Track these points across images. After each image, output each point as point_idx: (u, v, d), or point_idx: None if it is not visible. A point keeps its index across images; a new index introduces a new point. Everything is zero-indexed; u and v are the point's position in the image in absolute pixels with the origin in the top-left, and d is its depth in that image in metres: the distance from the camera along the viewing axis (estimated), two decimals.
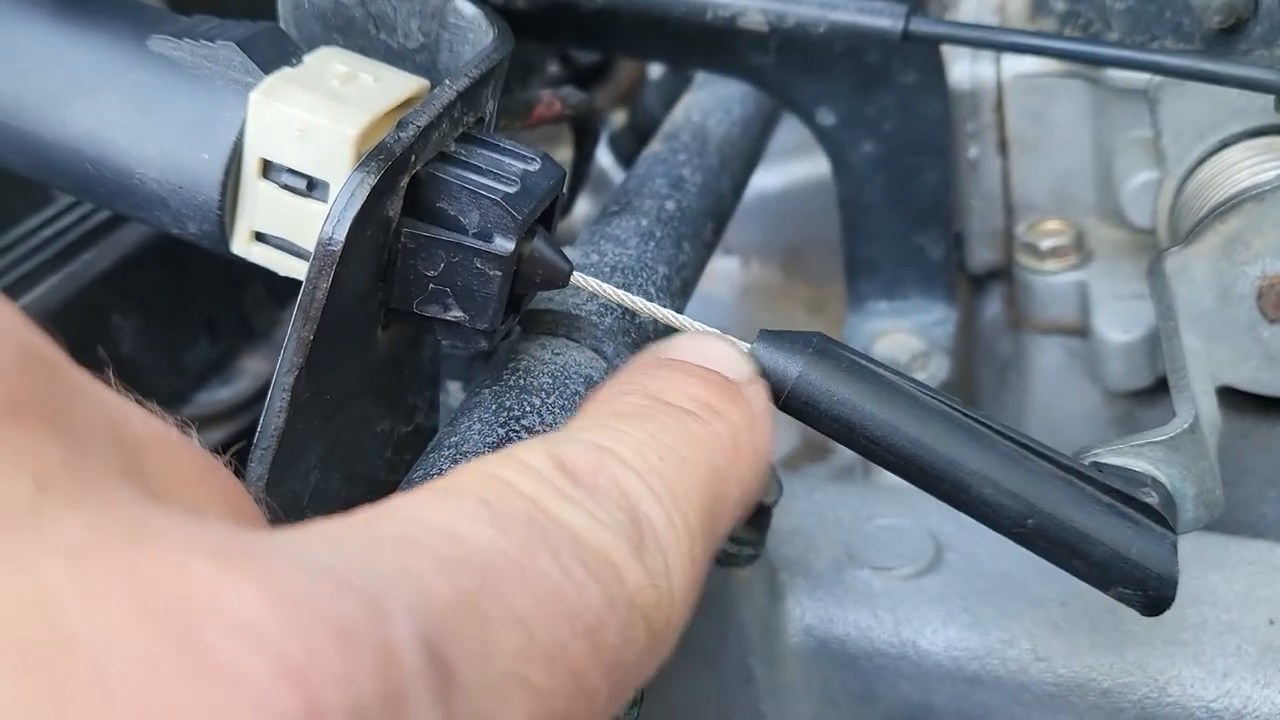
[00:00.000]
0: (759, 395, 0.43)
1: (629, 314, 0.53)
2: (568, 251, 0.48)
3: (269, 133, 0.45)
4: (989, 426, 0.46)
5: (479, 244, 0.44)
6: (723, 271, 1.05)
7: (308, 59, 0.48)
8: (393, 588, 0.27)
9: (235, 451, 0.38)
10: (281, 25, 0.52)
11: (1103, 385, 0.75)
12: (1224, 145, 0.65)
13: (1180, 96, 0.64)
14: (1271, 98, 0.61)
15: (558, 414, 0.48)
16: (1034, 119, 0.78)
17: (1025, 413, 0.82)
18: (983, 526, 0.46)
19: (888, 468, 0.46)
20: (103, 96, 0.46)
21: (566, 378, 0.49)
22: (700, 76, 0.78)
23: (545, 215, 0.47)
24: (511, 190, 0.44)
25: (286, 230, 0.46)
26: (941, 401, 0.46)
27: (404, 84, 0.48)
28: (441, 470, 0.45)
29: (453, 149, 0.46)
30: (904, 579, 0.61)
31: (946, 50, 0.71)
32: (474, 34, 0.50)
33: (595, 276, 0.48)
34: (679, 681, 0.61)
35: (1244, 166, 0.62)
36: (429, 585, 0.28)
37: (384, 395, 0.50)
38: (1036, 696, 0.57)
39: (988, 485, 0.45)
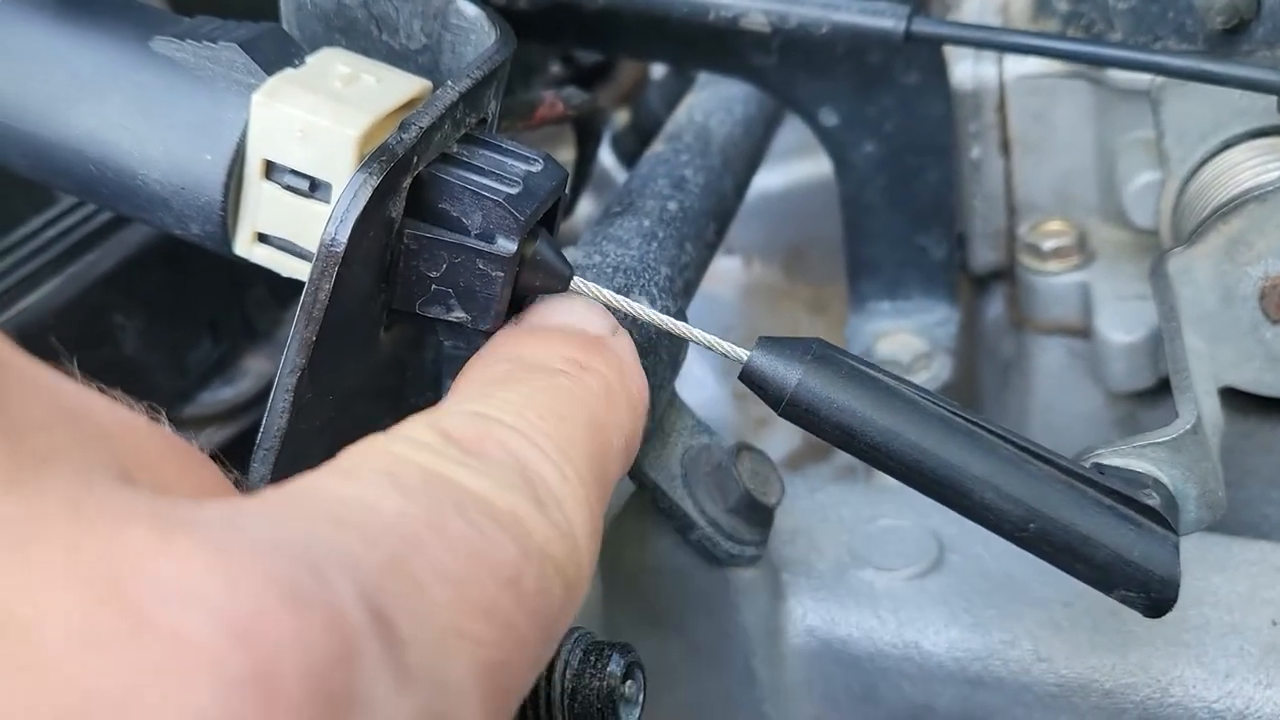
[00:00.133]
0: (625, 345, 0.44)
1: (628, 317, 0.53)
2: (570, 252, 0.48)
3: (271, 134, 0.45)
4: (989, 430, 0.46)
5: (481, 245, 0.44)
6: (725, 272, 1.05)
7: (310, 60, 0.48)
8: (329, 553, 0.28)
9: (237, 452, 0.39)
10: (284, 26, 0.52)
11: (1105, 386, 0.75)
12: (1226, 146, 0.64)
13: (1183, 97, 0.64)
14: (1274, 98, 0.61)
15: None
16: (1036, 119, 0.78)
17: (1027, 413, 0.82)
18: None
19: (889, 473, 0.46)
20: (106, 98, 0.46)
21: None
22: (703, 77, 0.78)
23: (548, 216, 0.47)
24: (514, 191, 0.44)
25: (289, 231, 0.46)
26: (942, 406, 0.46)
27: (406, 85, 0.48)
28: None
29: (455, 150, 0.46)
30: (906, 580, 0.61)
31: (949, 51, 0.71)
32: (476, 35, 0.50)
33: (598, 278, 0.48)
34: (681, 682, 0.61)
35: (1246, 167, 0.62)
36: (358, 552, 0.29)
37: (386, 396, 0.50)
38: (1039, 697, 0.57)
39: (989, 490, 0.45)
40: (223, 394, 0.74)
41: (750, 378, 0.46)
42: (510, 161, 0.46)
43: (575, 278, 0.46)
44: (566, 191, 0.48)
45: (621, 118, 1.11)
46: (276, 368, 0.42)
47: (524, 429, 0.37)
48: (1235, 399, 0.63)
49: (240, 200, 0.46)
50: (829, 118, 0.71)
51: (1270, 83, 0.56)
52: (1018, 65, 0.77)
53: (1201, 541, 0.60)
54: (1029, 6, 0.73)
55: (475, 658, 0.31)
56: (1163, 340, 0.61)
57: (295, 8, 0.52)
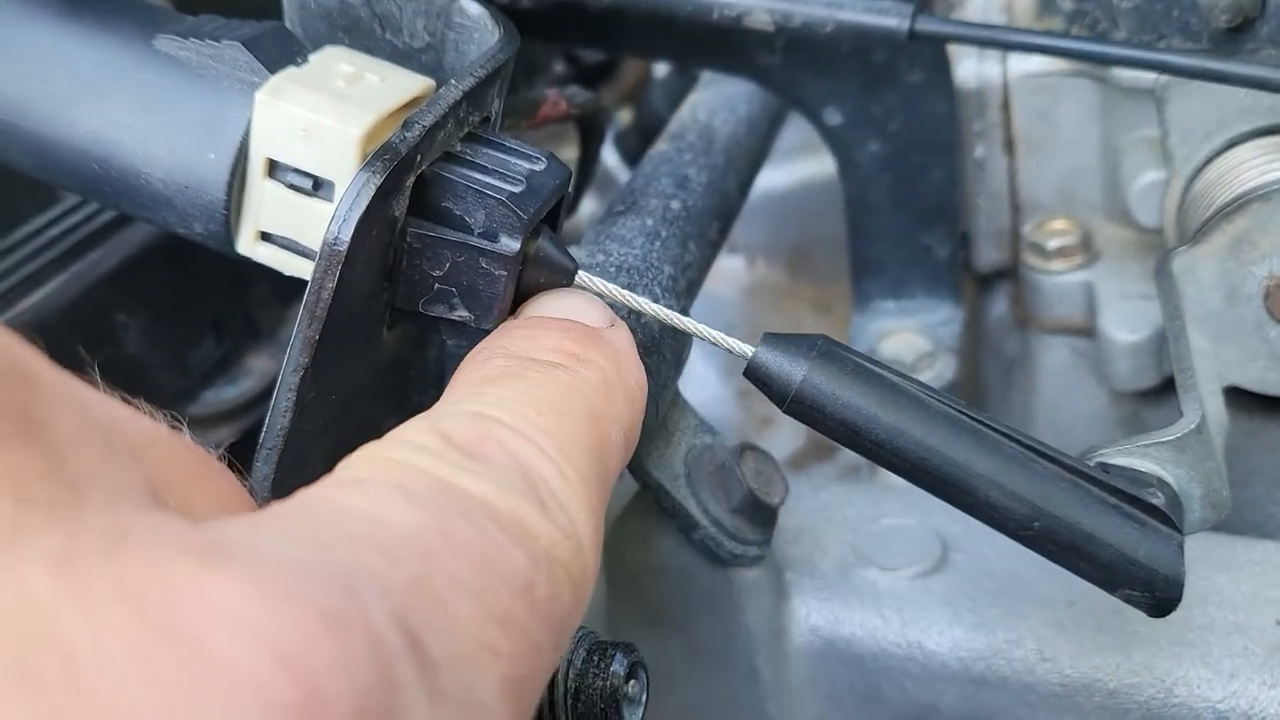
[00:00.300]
0: (622, 337, 0.44)
1: (634, 313, 0.53)
2: (574, 251, 0.48)
3: (274, 132, 0.45)
4: (994, 429, 0.45)
5: (484, 244, 0.44)
6: (728, 271, 1.05)
7: (313, 58, 0.48)
8: (358, 573, 0.28)
9: (240, 451, 0.39)
10: (287, 25, 0.52)
11: (1109, 385, 0.75)
12: (1231, 145, 0.64)
13: (1187, 96, 0.64)
14: (1279, 97, 0.61)
15: None
16: (1041, 118, 0.78)
17: (1031, 412, 0.82)
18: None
19: (894, 471, 0.46)
20: (109, 97, 0.46)
21: None
22: (706, 75, 0.78)
23: (551, 215, 0.47)
24: (517, 190, 0.44)
25: (292, 230, 0.46)
26: (947, 404, 0.45)
27: (409, 83, 0.48)
28: None
29: (458, 149, 0.45)
30: (910, 579, 0.61)
31: (953, 49, 0.71)
32: (479, 33, 0.50)
33: (600, 276, 0.48)
34: (684, 682, 0.61)
35: (1251, 166, 0.62)
36: (383, 570, 0.29)
37: (390, 395, 0.50)
38: (1042, 697, 0.57)
39: (994, 488, 0.45)
40: (226, 393, 0.74)
41: (755, 374, 0.46)
42: (513, 160, 0.46)
43: (581, 272, 0.46)
44: (570, 190, 0.48)
45: (625, 116, 1.11)
46: (279, 367, 0.42)
47: (522, 427, 0.37)
48: (1240, 398, 0.63)
49: (243, 199, 0.46)
50: (833, 116, 0.71)
51: (1275, 81, 0.56)
52: (1022, 64, 0.77)
53: (1206, 541, 0.60)
54: (1033, 5, 0.73)
55: (499, 672, 0.30)
56: (1167, 339, 0.61)
57: (298, 6, 0.52)
